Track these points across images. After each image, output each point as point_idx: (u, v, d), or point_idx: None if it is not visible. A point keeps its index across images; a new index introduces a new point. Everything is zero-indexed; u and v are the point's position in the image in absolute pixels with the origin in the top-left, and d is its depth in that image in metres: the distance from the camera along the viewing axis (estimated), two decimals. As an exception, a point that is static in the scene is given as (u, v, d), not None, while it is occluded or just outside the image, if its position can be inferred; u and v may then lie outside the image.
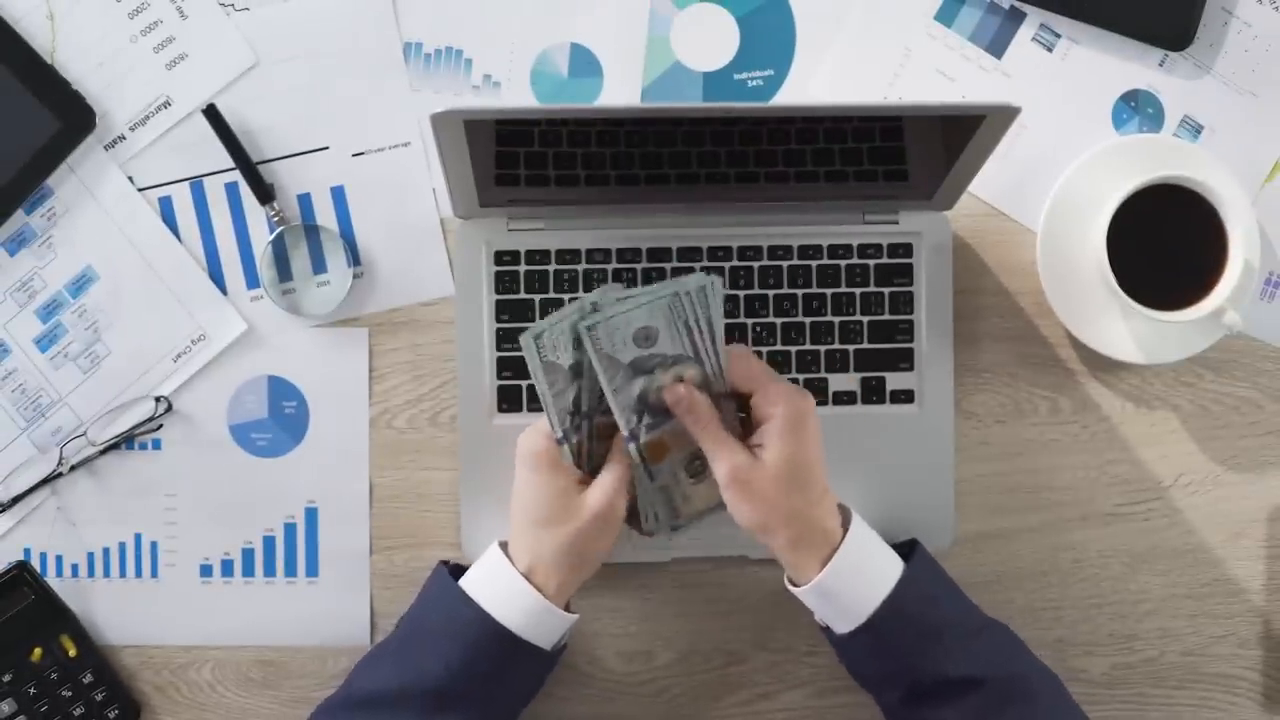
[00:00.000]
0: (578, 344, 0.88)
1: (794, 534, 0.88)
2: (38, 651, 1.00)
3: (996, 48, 1.03)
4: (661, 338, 0.88)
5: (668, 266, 1.00)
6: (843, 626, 0.90)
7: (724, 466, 0.88)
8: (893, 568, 0.90)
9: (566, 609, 0.91)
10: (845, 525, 0.90)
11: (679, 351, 0.89)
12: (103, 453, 1.01)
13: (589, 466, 0.91)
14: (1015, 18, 1.03)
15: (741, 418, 0.91)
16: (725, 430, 0.89)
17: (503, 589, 0.90)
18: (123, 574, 1.02)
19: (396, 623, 0.96)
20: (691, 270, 1.00)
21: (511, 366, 1.00)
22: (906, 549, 0.93)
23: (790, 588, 0.91)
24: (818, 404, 1.00)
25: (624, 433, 0.90)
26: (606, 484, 0.90)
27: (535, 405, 1.00)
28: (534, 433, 0.91)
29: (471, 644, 0.89)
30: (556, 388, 0.89)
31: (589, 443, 0.91)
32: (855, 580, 0.89)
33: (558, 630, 0.92)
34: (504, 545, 0.92)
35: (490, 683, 0.90)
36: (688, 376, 0.89)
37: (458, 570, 0.94)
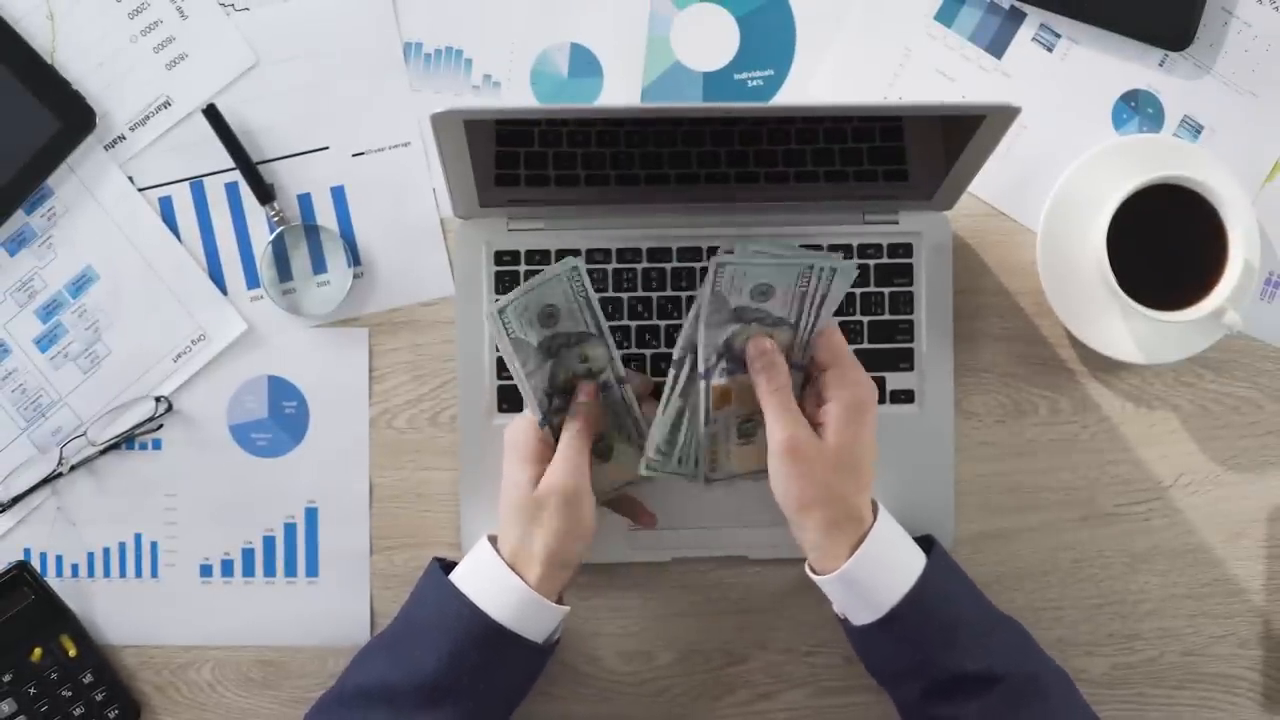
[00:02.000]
0: (546, 319, 0.89)
1: (831, 516, 0.88)
2: (38, 651, 1.00)
3: (996, 48, 1.03)
4: (776, 297, 0.90)
5: (668, 266, 1.00)
6: (864, 617, 0.90)
7: (783, 434, 0.88)
8: (916, 561, 0.90)
9: (560, 602, 0.91)
10: (873, 516, 0.90)
11: (783, 315, 0.91)
12: (103, 453, 1.01)
13: None
14: (1015, 18, 1.03)
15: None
16: (793, 399, 0.90)
17: (490, 582, 0.90)
18: (123, 574, 1.02)
19: (393, 619, 0.97)
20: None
21: (511, 366, 1.01)
22: (924, 544, 0.93)
23: (812, 575, 0.91)
24: (818, 404, 1.01)
25: (701, 369, 0.91)
26: (561, 466, 0.90)
27: (535, 405, 1.00)
28: (517, 423, 0.92)
29: (462, 637, 0.89)
30: (528, 367, 0.90)
31: None
32: (881, 571, 0.89)
33: (549, 623, 0.91)
34: (493, 539, 0.92)
35: (482, 676, 0.90)
36: (777, 338, 0.91)
37: (451, 566, 0.94)
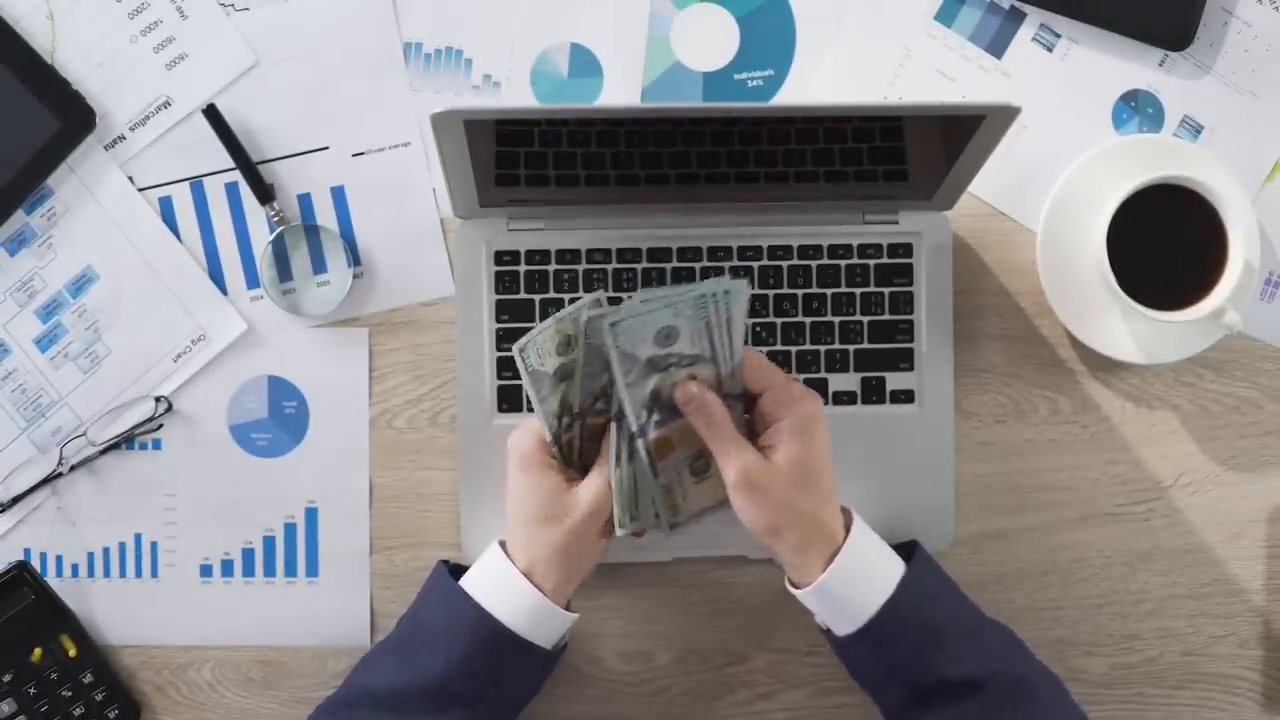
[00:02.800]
0: (563, 349, 0.88)
1: (800, 536, 0.88)
2: (38, 651, 1.00)
3: (996, 48, 1.03)
4: (682, 337, 0.88)
5: (668, 267, 1.00)
6: (844, 628, 0.90)
7: (734, 467, 0.88)
8: (894, 569, 0.90)
9: (567, 608, 0.91)
10: (847, 527, 0.90)
11: (697, 351, 0.89)
12: (103, 453, 1.01)
13: (579, 465, 0.92)
14: (1015, 18, 1.03)
15: (746, 419, 0.91)
16: (735, 431, 0.89)
17: (503, 588, 0.90)
18: (123, 574, 1.02)
19: (397, 622, 0.96)
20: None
21: (512, 366, 1.00)
22: (907, 550, 0.93)
23: (791, 589, 0.91)
24: (818, 404, 1.01)
25: (633, 428, 0.89)
26: (598, 483, 0.90)
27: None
28: (523, 432, 0.91)
29: (473, 643, 0.89)
30: (542, 394, 0.89)
31: (580, 442, 0.91)
32: (857, 582, 0.89)
33: (559, 629, 0.92)
34: (503, 544, 0.92)
35: (491, 682, 0.90)
36: (701, 376, 0.89)
37: (457, 570, 0.94)
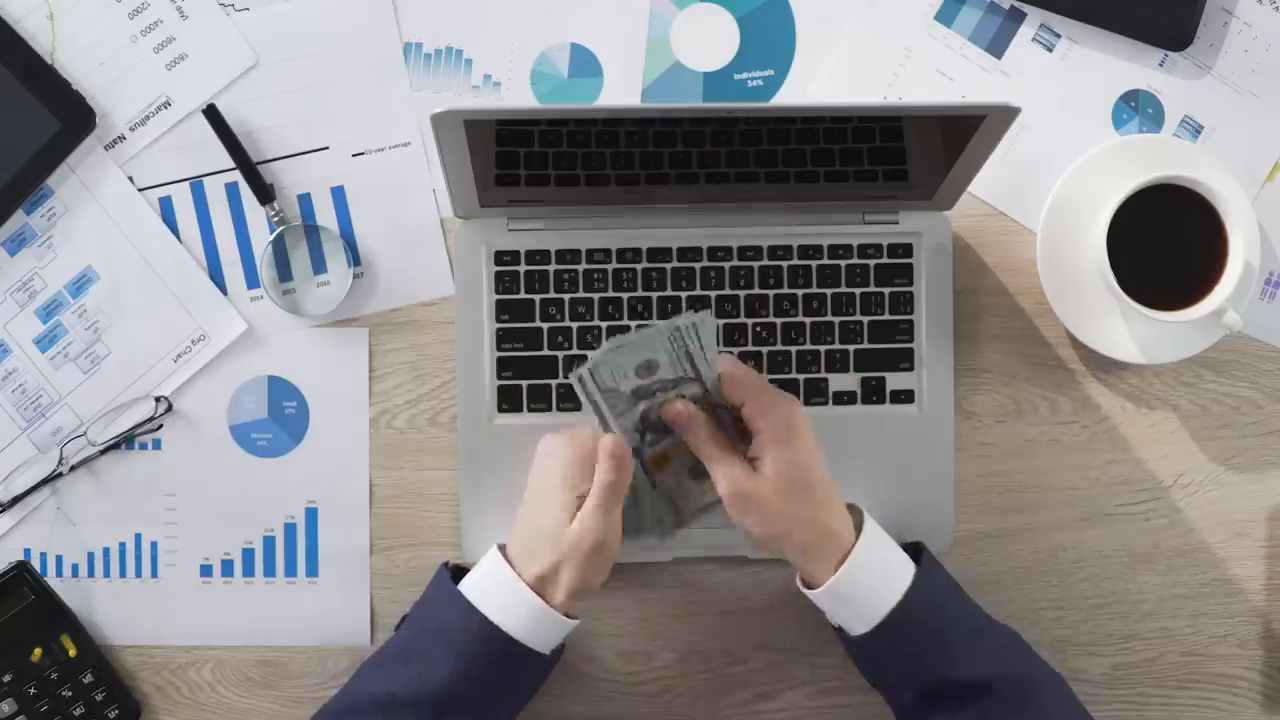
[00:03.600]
0: (642, 371, 0.90)
1: (803, 541, 0.89)
2: (38, 651, 1.00)
3: (996, 48, 1.03)
4: (663, 366, 0.89)
5: (668, 267, 1.00)
6: (856, 628, 0.91)
7: (723, 481, 0.88)
8: (905, 569, 0.90)
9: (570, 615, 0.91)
10: (858, 526, 0.90)
11: (679, 374, 0.90)
12: (103, 453, 1.01)
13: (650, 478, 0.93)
14: (1015, 18, 1.03)
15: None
16: (723, 445, 0.89)
17: (505, 595, 0.90)
18: (123, 574, 1.02)
19: (397, 624, 0.96)
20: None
21: (511, 366, 1.01)
22: (912, 551, 0.93)
23: (803, 589, 0.91)
24: (818, 404, 1.01)
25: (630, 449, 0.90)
26: (601, 516, 0.89)
27: (535, 405, 1.00)
28: (575, 439, 0.90)
29: (475, 650, 0.89)
30: (618, 409, 0.90)
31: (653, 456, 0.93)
32: (869, 583, 0.90)
33: (559, 635, 0.92)
34: (502, 548, 0.92)
35: (492, 687, 0.90)
36: (689, 394, 0.90)
37: (459, 572, 0.94)
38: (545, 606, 0.89)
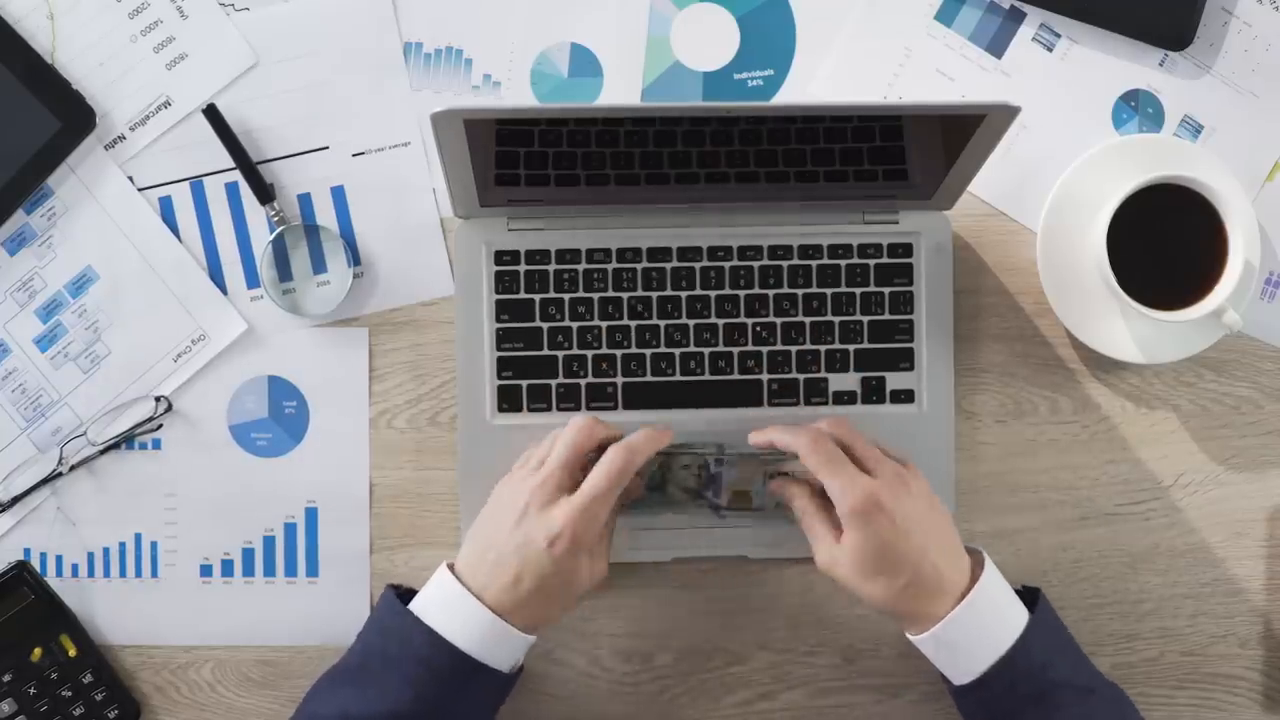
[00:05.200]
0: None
1: (895, 608, 0.89)
2: (38, 651, 1.00)
3: (996, 48, 1.03)
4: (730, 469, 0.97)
5: (668, 267, 1.00)
6: (956, 678, 0.91)
7: (816, 553, 0.91)
8: (1017, 619, 0.90)
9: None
10: (977, 571, 0.90)
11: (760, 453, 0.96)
12: (103, 453, 1.01)
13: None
14: (1015, 18, 1.03)
15: None
16: (817, 517, 0.91)
17: (458, 613, 0.89)
18: (123, 574, 1.02)
19: (347, 650, 0.94)
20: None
21: (511, 366, 1.01)
22: (1029, 597, 0.92)
23: (909, 635, 0.92)
24: (818, 404, 1.01)
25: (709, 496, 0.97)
26: (599, 566, 0.91)
27: (535, 405, 1.00)
28: (590, 510, 0.89)
29: (430, 668, 0.88)
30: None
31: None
32: (975, 633, 0.89)
33: (516, 651, 0.91)
34: (450, 566, 0.91)
35: (449, 706, 0.89)
36: (794, 471, 0.95)
37: (409, 594, 0.92)
38: (495, 619, 0.88)
